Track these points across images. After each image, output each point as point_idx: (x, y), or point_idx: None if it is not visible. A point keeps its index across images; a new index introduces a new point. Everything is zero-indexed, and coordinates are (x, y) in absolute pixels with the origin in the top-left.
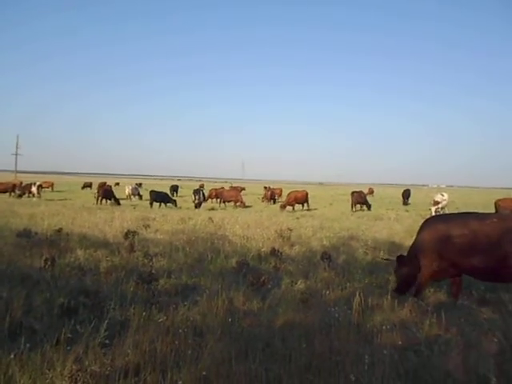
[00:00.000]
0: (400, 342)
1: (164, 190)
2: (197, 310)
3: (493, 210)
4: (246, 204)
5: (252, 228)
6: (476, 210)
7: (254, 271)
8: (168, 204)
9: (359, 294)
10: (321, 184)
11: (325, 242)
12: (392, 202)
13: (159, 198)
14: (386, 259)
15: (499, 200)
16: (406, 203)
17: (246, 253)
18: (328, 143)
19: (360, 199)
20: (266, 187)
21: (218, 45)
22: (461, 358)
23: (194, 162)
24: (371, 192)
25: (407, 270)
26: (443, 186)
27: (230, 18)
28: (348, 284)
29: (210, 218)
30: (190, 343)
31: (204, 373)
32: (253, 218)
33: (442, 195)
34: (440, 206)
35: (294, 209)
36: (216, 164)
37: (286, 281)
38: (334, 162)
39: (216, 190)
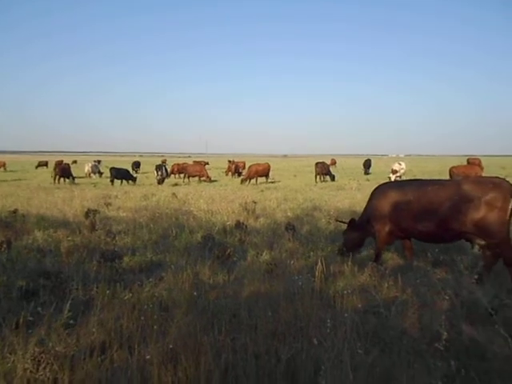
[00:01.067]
0: (360, 305)
1: (125, 167)
2: (162, 286)
3: (448, 177)
4: (211, 178)
5: (217, 202)
6: (432, 177)
7: (220, 245)
8: (130, 181)
9: (321, 262)
10: (285, 156)
11: (289, 214)
12: (354, 173)
13: (120, 175)
14: (341, 221)
15: (453, 167)
16: (367, 173)
17: (211, 227)
18: (291, 116)
19: (324, 170)
20: (229, 161)
21: (175, 24)
22: (416, 317)
23: (156, 137)
24: (334, 163)
25: (357, 234)
26: (402, 156)
27: None
28: (311, 253)
29: (174, 194)
30: (156, 319)
31: (171, 346)
32: (217, 192)
33: (400, 164)
34: (398, 174)
35: (256, 182)
36: (178, 139)
37: (251, 253)
38: (297, 135)
39: (178, 164)
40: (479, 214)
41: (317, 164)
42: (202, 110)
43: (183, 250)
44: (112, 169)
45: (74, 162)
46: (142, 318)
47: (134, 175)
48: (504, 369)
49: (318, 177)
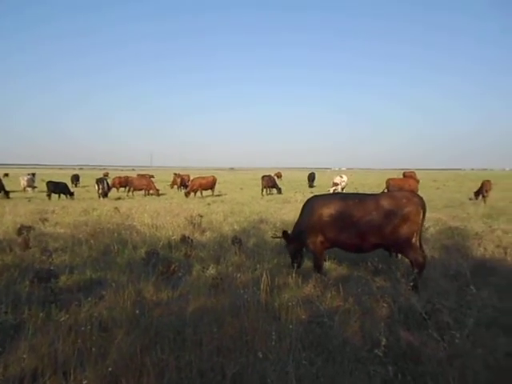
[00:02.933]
0: (304, 316)
1: (64, 181)
2: (103, 305)
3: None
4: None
5: (162, 216)
6: (371, 190)
7: (164, 260)
8: (68, 195)
9: (266, 275)
10: (232, 169)
11: (235, 227)
12: (299, 185)
13: (58, 188)
14: (276, 236)
15: (389, 179)
16: (311, 186)
17: (155, 242)
18: (237, 129)
19: (270, 183)
20: (175, 174)
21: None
22: (358, 325)
23: (98, 150)
24: (279, 176)
25: (292, 246)
26: (344, 169)
27: None
28: (258, 266)
29: (117, 208)
30: (95, 340)
31: (110, 369)
32: (163, 206)
33: (342, 177)
34: (339, 187)
35: (202, 195)
36: (122, 152)
37: (197, 267)
38: (244, 148)
39: (120, 178)
40: (393, 226)
41: (263, 177)
42: (148, 123)
43: (125, 267)
44: (49, 182)
45: (6, 174)
46: (80, 340)
47: (72, 189)
48: (437, 371)
49: (264, 190)
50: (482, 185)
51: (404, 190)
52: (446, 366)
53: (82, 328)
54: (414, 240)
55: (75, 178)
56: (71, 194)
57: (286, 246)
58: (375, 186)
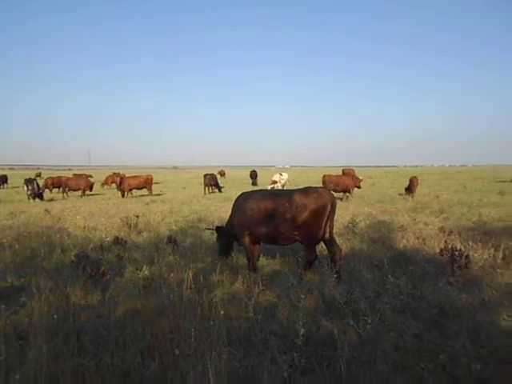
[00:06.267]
0: (232, 312)
1: None
2: (24, 313)
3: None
4: (92, 192)
5: (96, 217)
6: (309, 185)
7: (95, 263)
8: None
9: (193, 274)
10: (175, 168)
11: (173, 227)
12: (243, 183)
13: None
14: (209, 229)
15: (325, 175)
16: (254, 183)
17: (87, 244)
18: (181, 127)
19: (212, 181)
20: (115, 173)
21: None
22: (284, 318)
23: (30, 148)
24: (223, 174)
25: (225, 240)
26: (287, 167)
27: None
28: (192, 265)
29: (47, 210)
30: (11, 350)
31: (17, 376)
32: (98, 207)
33: (281, 175)
34: (278, 184)
35: (132, 194)
36: (58, 151)
37: (129, 269)
38: (187, 146)
39: (53, 178)
40: (303, 219)
41: (205, 175)
42: (86, 120)
43: (53, 271)
44: None
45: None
46: None
47: None
48: (349, 355)
49: (206, 188)
50: (410, 181)
51: (319, 187)
52: (359, 350)
53: None
54: (321, 234)
55: (1, 179)
56: None
57: (216, 239)
58: (314, 182)
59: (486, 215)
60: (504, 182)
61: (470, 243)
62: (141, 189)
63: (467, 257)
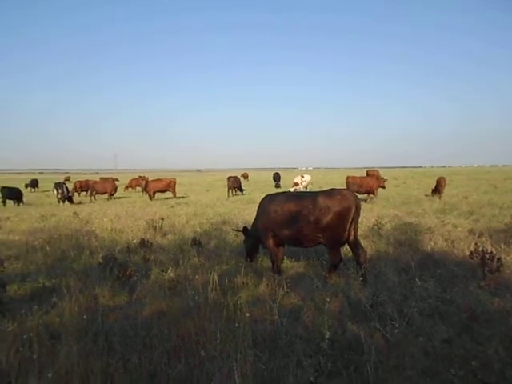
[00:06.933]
0: (257, 315)
1: (20, 186)
2: (55, 313)
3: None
4: (118, 195)
5: (123, 220)
6: (333, 187)
7: (121, 265)
8: (27, 200)
9: (218, 276)
10: (199, 171)
11: (198, 229)
12: (266, 186)
13: (13, 195)
14: (236, 230)
15: (349, 177)
16: (277, 185)
17: (114, 247)
18: (204, 131)
19: (236, 184)
20: (140, 176)
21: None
22: (309, 321)
23: (58, 152)
24: (246, 176)
25: (251, 241)
26: (311, 168)
27: None
28: (216, 267)
29: (76, 213)
30: (44, 349)
31: (50, 375)
32: (125, 210)
33: (303, 177)
34: (300, 186)
35: (154, 197)
36: (85, 155)
37: (155, 271)
38: (210, 149)
39: (81, 182)
40: (327, 221)
41: (229, 178)
42: (112, 124)
43: (82, 273)
44: (4, 188)
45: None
46: (21, 348)
47: (28, 195)
48: (377, 359)
49: (230, 191)
50: (437, 182)
51: (343, 189)
52: (387, 354)
53: (25, 336)
54: (345, 237)
55: (33, 183)
56: (21, 200)
57: (243, 242)
58: (338, 183)
59: None
60: None
61: (502, 246)
62: (164, 192)
63: (499, 260)
